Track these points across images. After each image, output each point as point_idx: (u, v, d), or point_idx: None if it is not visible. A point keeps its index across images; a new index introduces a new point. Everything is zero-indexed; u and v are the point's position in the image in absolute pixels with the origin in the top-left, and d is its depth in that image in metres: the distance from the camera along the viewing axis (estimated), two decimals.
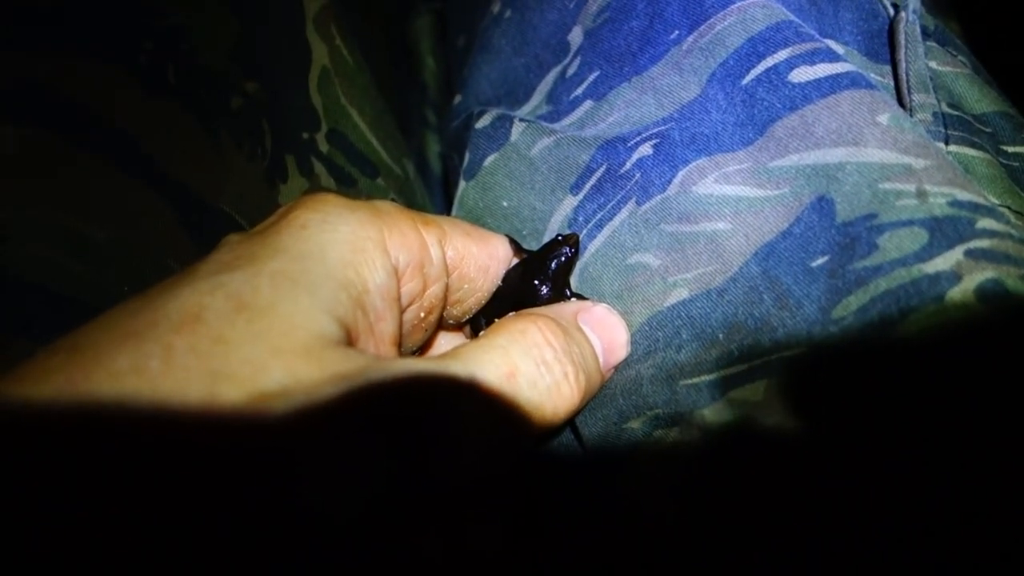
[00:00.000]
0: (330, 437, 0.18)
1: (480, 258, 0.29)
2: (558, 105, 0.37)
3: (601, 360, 0.28)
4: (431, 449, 0.20)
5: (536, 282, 0.30)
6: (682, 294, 0.29)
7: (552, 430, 0.26)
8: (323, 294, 0.21)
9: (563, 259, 0.31)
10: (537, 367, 0.24)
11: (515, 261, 0.31)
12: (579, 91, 0.37)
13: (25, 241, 0.27)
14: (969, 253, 0.23)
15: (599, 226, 0.33)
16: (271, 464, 0.18)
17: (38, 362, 0.18)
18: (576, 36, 0.38)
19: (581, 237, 0.33)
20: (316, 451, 0.18)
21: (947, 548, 0.20)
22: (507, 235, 0.31)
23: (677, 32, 0.33)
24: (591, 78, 0.36)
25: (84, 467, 0.16)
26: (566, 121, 0.36)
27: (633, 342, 0.30)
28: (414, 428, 0.20)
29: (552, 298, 0.30)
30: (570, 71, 0.38)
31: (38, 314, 0.27)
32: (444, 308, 0.29)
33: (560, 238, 0.31)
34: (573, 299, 0.31)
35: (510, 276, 0.31)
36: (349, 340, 0.21)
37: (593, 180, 0.34)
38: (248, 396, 0.18)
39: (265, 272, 0.21)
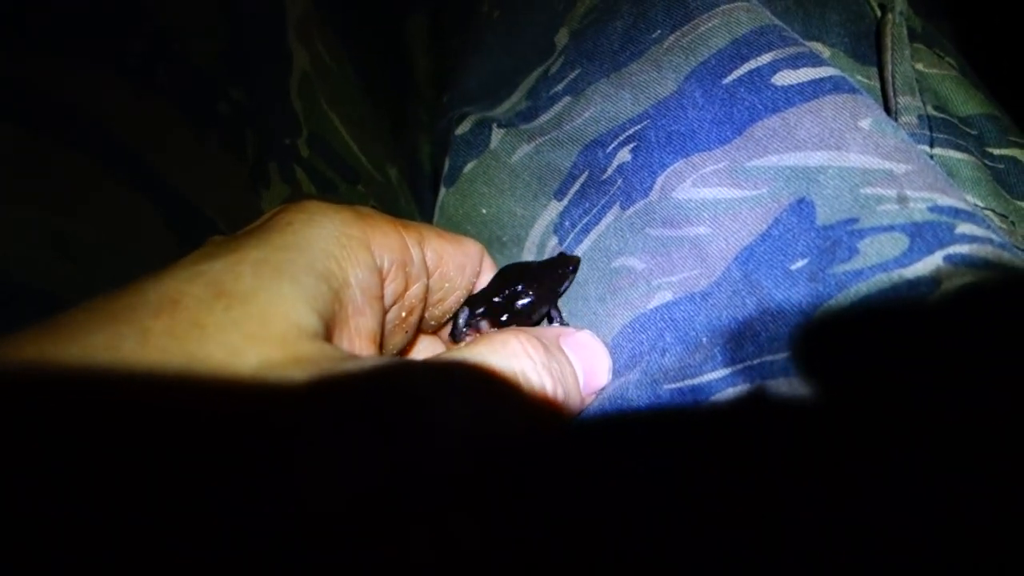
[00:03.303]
0: (308, 424, 0.18)
1: (457, 257, 0.29)
2: (537, 101, 0.37)
3: (582, 382, 0.27)
4: (409, 443, 0.20)
5: (522, 286, 0.31)
6: (666, 297, 0.29)
7: (531, 440, 0.25)
8: (305, 283, 0.21)
9: (560, 272, 0.31)
10: (515, 376, 0.24)
11: (489, 267, 0.32)
12: (559, 87, 0.37)
13: (11, 241, 0.27)
14: (948, 259, 0.23)
15: (585, 231, 0.33)
16: (247, 446, 0.17)
17: (10, 338, 0.18)
18: (562, 37, 0.38)
19: (568, 241, 0.33)
20: (292, 437, 0.18)
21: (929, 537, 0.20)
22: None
23: (659, 31, 0.33)
24: (571, 76, 0.36)
25: (49, 436, 0.16)
26: (544, 118, 0.36)
27: (617, 345, 0.30)
28: (390, 421, 0.20)
29: (535, 305, 0.31)
30: (552, 70, 0.38)
31: (24, 313, 0.27)
32: (425, 309, 0.29)
33: (563, 256, 0.32)
34: (556, 324, 0.31)
35: (504, 274, 0.32)
36: (327, 333, 0.21)
37: (576, 186, 0.34)
38: (221, 379, 0.18)
39: (247, 260, 0.21)
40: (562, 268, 0.31)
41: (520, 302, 0.31)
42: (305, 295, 0.21)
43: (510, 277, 0.31)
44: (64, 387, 0.17)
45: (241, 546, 0.16)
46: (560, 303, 0.33)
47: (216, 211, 0.35)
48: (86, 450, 0.16)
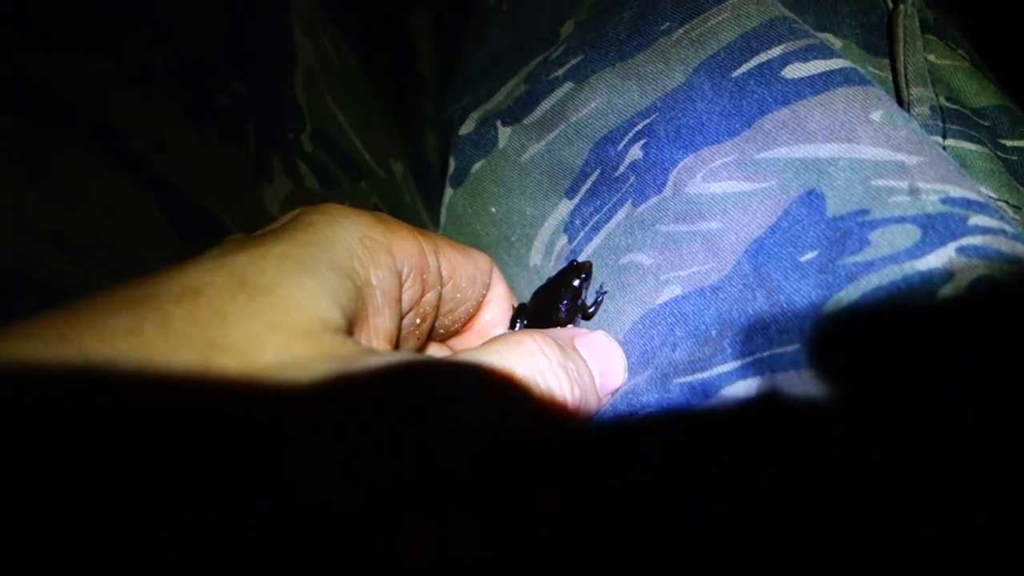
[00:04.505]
0: (325, 418, 0.18)
1: (468, 268, 0.30)
2: (536, 84, 0.37)
3: (598, 382, 0.27)
4: (424, 440, 0.19)
5: (553, 309, 0.32)
6: (675, 291, 0.29)
7: (548, 440, 0.25)
8: (328, 279, 0.21)
9: (578, 283, 0.32)
10: (532, 374, 0.24)
11: (500, 286, 0.33)
12: (559, 72, 0.36)
13: (10, 237, 0.27)
14: (961, 250, 0.22)
15: (596, 228, 0.33)
16: (262, 438, 0.17)
17: (29, 321, 0.18)
18: (567, 28, 0.38)
19: (578, 240, 0.33)
20: (310, 430, 0.18)
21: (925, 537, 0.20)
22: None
23: (668, 23, 0.33)
24: (573, 62, 0.36)
25: (66, 421, 0.16)
26: (545, 105, 0.36)
27: (628, 342, 0.30)
28: (409, 417, 0.19)
29: (569, 320, 0.32)
30: (553, 55, 0.37)
31: (25, 306, 0.27)
32: (437, 317, 0.29)
33: (575, 264, 0.33)
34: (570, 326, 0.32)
35: (536, 297, 0.33)
36: (349, 329, 0.22)
37: (588, 183, 0.34)
38: (243, 367, 0.18)
39: (271, 254, 0.21)
40: (578, 277, 0.32)
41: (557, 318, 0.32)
42: (328, 290, 0.21)
43: (541, 298, 0.32)
44: (81, 371, 0.17)
45: (230, 543, 0.16)
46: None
47: (218, 205, 0.35)
48: (87, 443, 0.16)
